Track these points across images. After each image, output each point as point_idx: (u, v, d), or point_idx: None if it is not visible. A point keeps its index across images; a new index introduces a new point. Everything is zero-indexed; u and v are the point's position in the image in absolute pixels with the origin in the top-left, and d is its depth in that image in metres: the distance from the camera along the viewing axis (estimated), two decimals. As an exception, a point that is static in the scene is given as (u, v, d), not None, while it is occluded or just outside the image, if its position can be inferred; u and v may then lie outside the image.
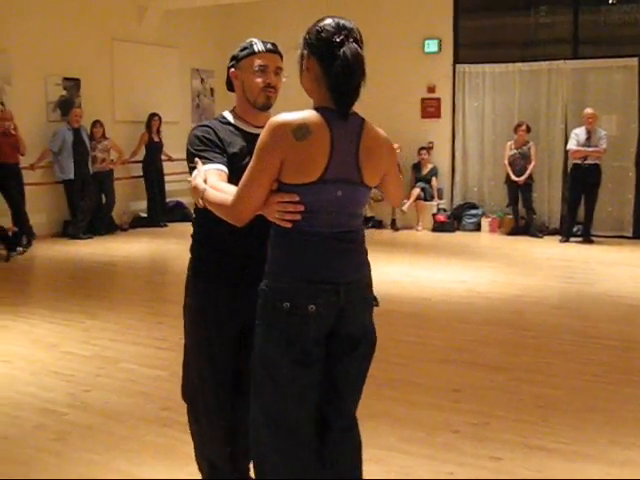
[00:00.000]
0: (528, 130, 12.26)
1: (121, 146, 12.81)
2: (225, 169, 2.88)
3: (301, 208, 2.56)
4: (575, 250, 11.13)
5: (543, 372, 5.43)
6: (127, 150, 13.01)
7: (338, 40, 2.55)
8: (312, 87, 2.66)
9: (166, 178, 13.49)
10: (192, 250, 3.16)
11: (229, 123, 3.09)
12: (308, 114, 2.56)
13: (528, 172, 12.18)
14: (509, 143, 12.40)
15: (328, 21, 2.62)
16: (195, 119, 14.97)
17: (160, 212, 13.31)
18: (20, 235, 10.90)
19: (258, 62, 3.03)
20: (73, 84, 12.48)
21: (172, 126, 13.88)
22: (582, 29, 12.70)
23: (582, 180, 11.59)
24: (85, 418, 4.54)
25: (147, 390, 5.02)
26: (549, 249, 11.24)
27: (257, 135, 2.65)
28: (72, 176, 11.80)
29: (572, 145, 11.65)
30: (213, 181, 2.76)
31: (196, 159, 2.89)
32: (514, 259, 10.33)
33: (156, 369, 5.44)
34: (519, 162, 12.23)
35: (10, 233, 10.46)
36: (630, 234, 12.20)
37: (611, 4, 12.58)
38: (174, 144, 13.66)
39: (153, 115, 13.18)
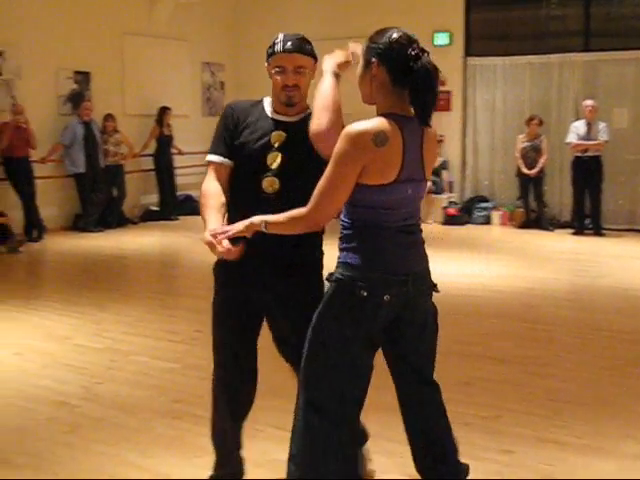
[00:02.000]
0: (540, 123, 12.22)
1: (131, 139, 12.82)
2: (224, 160, 3.17)
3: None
4: (586, 243, 11.10)
5: (554, 365, 5.43)
6: (137, 144, 13.02)
7: (413, 53, 2.73)
8: (376, 94, 2.83)
9: (176, 171, 13.51)
10: None
11: (262, 107, 3.24)
12: (382, 121, 2.73)
13: (540, 165, 12.14)
14: (520, 136, 12.36)
15: (397, 33, 2.78)
16: (205, 112, 14.98)
17: (171, 205, 13.33)
18: (30, 228, 10.96)
19: (275, 63, 3.13)
20: (84, 78, 12.50)
21: (182, 119, 13.89)
22: (594, 21, 12.64)
23: (584, 173, 11.62)
24: (97, 411, 4.56)
25: (159, 383, 5.03)
26: (560, 242, 11.21)
27: (284, 122, 3.13)
28: (83, 169, 11.82)
29: (572, 139, 11.69)
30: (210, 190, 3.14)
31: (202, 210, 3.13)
32: (525, 252, 10.31)
33: (168, 362, 5.45)
34: (531, 155, 12.19)
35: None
36: (642, 227, 12.16)
37: (623, -4, 12.52)
38: (184, 137, 13.69)
39: (164, 109, 13.18)
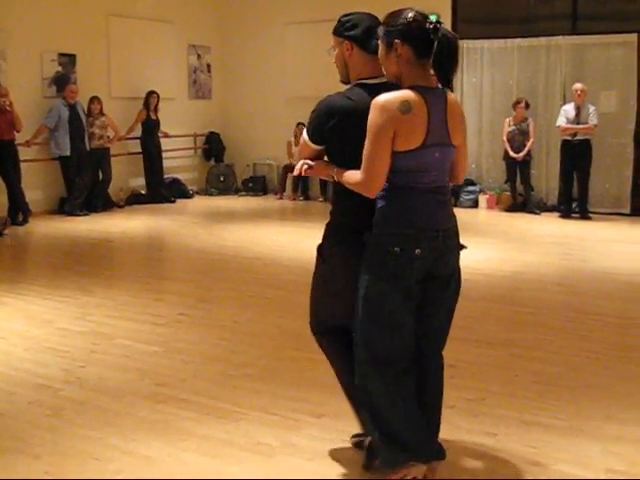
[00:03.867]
0: (527, 107, 12.18)
1: (117, 123, 12.73)
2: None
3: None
4: (573, 227, 11.10)
5: (540, 348, 5.42)
6: (123, 126, 12.92)
7: (431, 27, 3.03)
8: (403, 70, 3.10)
9: (163, 155, 13.44)
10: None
11: None
12: (406, 92, 3.04)
13: (527, 149, 12.12)
14: (508, 119, 12.33)
15: (411, 12, 3.06)
16: (192, 95, 14.89)
17: (159, 189, 13.26)
18: (15, 212, 10.89)
19: None
20: (69, 60, 12.39)
21: (169, 102, 13.80)
22: (581, 5, 12.56)
23: (572, 156, 11.58)
24: (80, 394, 4.53)
25: (142, 366, 5.00)
26: (547, 226, 11.22)
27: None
28: (68, 152, 11.73)
29: (561, 122, 11.65)
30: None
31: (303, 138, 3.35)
32: (512, 236, 10.31)
33: (152, 345, 5.42)
34: (518, 139, 12.17)
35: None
36: (628, 211, 12.13)
37: (611, -21, 12.47)
38: (170, 120, 13.63)
39: (151, 93, 13.09)
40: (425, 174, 3.12)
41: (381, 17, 3.21)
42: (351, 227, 3.30)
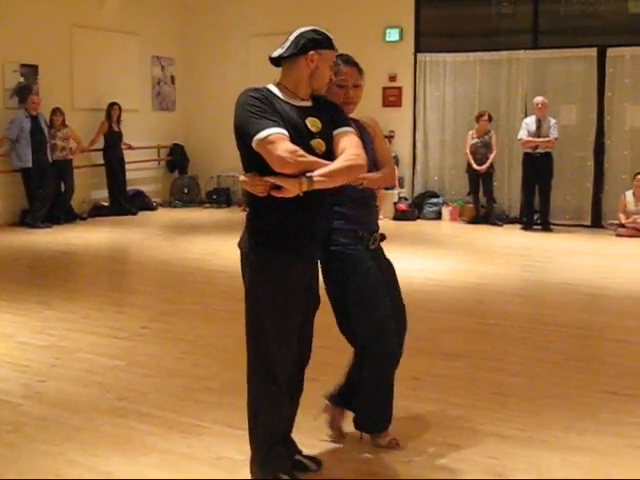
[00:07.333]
0: (490, 119, 12.31)
1: (80, 134, 12.63)
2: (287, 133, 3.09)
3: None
4: (535, 238, 11.23)
5: (502, 359, 5.47)
6: (87, 138, 12.84)
7: None
8: None
9: (126, 167, 13.36)
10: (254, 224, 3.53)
11: (279, 98, 3.23)
12: None
13: (489, 161, 12.23)
14: (470, 132, 12.45)
15: None
16: (155, 107, 14.84)
17: (122, 201, 13.18)
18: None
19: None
20: (31, 71, 12.29)
21: (132, 114, 13.74)
22: (542, 19, 12.76)
23: (534, 169, 11.77)
24: (40, 409, 4.48)
25: (103, 380, 4.96)
26: (509, 237, 11.33)
27: (303, 107, 3.23)
28: (30, 164, 11.63)
29: (522, 135, 11.82)
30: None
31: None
32: (474, 247, 10.39)
33: (113, 359, 5.38)
34: (480, 151, 12.28)
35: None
36: (589, 223, 12.32)
37: (571, -5, 12.67)
38: (134, 132, 13.56)
39: (113, 104, 13.01)
40: None
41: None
42: None
